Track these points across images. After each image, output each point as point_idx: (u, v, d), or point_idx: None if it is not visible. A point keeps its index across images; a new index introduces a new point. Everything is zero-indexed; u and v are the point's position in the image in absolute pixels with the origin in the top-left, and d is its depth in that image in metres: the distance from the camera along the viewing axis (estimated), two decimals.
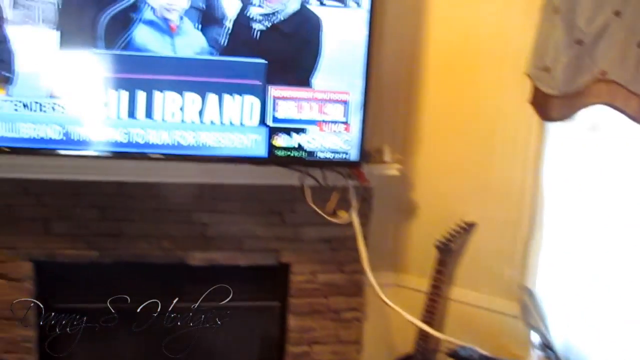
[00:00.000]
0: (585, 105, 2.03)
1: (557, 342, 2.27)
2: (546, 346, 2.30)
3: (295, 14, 2.18)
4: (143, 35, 2.10)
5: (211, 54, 2.15)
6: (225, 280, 2.42)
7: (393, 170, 2.48)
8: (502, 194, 2.45)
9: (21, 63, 2.04)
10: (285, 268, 2.62)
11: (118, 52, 2.09)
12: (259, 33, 2.17)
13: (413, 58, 2.60)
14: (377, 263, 2.57)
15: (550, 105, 2.10)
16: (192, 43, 2.14)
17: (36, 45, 2.03)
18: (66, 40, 2.04)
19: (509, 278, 2.43)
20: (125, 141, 2.17)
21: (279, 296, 2.67)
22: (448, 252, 2.49)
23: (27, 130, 2.10)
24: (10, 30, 2.01)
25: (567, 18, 2.01)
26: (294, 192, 2.50)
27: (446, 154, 2.59)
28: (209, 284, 2.42)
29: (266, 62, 2.19)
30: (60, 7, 2.00)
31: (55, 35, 2.03)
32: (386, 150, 2.45)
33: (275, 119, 2.24)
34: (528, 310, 2.35)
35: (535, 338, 2.37)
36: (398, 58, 2.58)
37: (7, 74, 2.04)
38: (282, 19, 2.17)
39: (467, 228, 2.50)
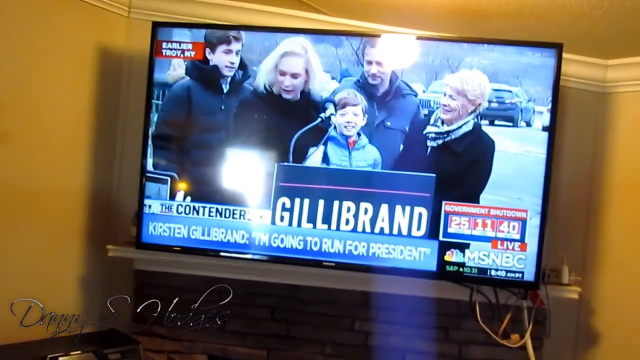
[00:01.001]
0: None
1: None
2: None
3: (468, 134, 2.23)
4: (326, 150, 2.29)
5: (384, 166, 2.26)
6: None
7: (572, 293, 2.31)
8: None
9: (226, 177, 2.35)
10: None
11: (304, 165, 2.28)
12: (430, 149, 2.25)
13: (594, 175, 2.49)
14: None
15: None
16: (367, 157, 2.27)
17: (234, 157, 2.34)
18: (262, 155, 2.32)
19: None
20: (301, 248, 2.30)
21: None
22: None
23: (218, 234, 2.33)
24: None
25: None
26: (460, 307, 2.42)
27: (634, 279, 2.36)
28: None
29: (435, 176, 2.23)
30: (261, 127, 2.31)
31: (254, 151, 2.33)
32: (564, 271, 2.30)
33: (447, 234, 2.23)
34: None
35: None
36: (577, 175, 2.49)
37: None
38: (454, 137, 2.24)
39: None
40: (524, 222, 2.20)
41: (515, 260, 2.21)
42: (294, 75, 2.27)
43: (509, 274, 2.22)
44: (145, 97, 2.34)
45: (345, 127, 2.26)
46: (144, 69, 2.36)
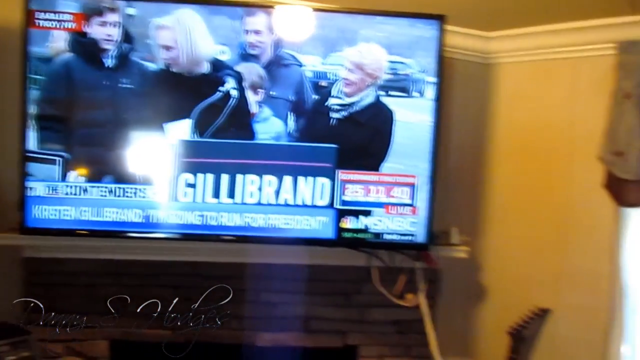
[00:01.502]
0: None
1: None
2: None
3: (370, 106, 2.29)
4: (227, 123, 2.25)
5: (288, 138, 2.27)
6: None
7: (461, 252, 2.45)
8: (578, 279, 2.37)
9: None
10: (351, 350, 2.58)
11: (206, 139, 2.23)
12: (335, 121, 2.28)
13: (480, 142, 2.64)
14: (446, 347, 2.51)
15: (626, 190, 2.06)
16: (269, 129, 2.27)
17: (130, 135, 2.23)
18: (160, 132, 2.22)
19: None
20: (199, 223, 2.27)
21: None
22: (521, 339, 2.37)
23: (111, 214, 2.25)
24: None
25: None
26: (360, 273, 2.51)
27: (517, 237, 2.54)
28: None
29: (337, 146, 2.27)
30: (158, 102, 2.23)
31: (151, 128, 2.23)
32: (454, 232, 2.44)
33: (342, 202, 2.29)
34: None
35: None
36: (465, 142, 2.63)
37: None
38: (358, 109, 2.28)
39: (541, 314, 2.39)
40: (413, 187, 2.30)
41: (407, 223, 2.31)
42: (167, 48, 2.19)
43: (402, 237, 2.31)
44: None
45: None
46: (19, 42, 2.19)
